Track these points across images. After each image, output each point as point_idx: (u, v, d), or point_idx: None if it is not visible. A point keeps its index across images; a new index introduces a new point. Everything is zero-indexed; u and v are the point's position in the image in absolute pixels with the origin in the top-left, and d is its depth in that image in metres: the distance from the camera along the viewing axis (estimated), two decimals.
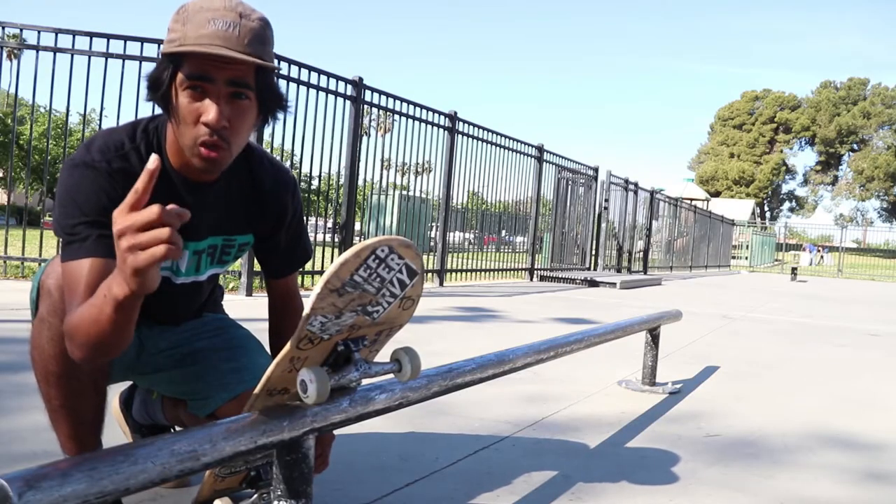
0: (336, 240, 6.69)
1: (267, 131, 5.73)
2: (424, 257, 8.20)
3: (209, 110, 1.13)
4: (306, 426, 1.11)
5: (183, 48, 1.11)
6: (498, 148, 9.10)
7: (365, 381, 1.17)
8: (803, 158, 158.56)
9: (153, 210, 0.86)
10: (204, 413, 1.39)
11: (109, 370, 1.28)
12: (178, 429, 1.61)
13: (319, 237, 6.63)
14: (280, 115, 1.27)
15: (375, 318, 1.10)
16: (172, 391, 1.48)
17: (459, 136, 8.23)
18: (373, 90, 6.78)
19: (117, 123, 5.74)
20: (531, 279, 10.22)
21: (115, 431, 1.64)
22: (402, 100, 7.23)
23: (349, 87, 6.50)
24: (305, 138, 6.18)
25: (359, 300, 1.04)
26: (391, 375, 1.19)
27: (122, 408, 1.69)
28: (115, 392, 1.58)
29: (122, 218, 0.87)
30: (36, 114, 23.70)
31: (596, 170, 12.18)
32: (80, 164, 1.18)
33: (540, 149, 10.19)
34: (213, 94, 1.13)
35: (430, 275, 8.10)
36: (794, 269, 18.99)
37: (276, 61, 1.15)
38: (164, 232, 0.86)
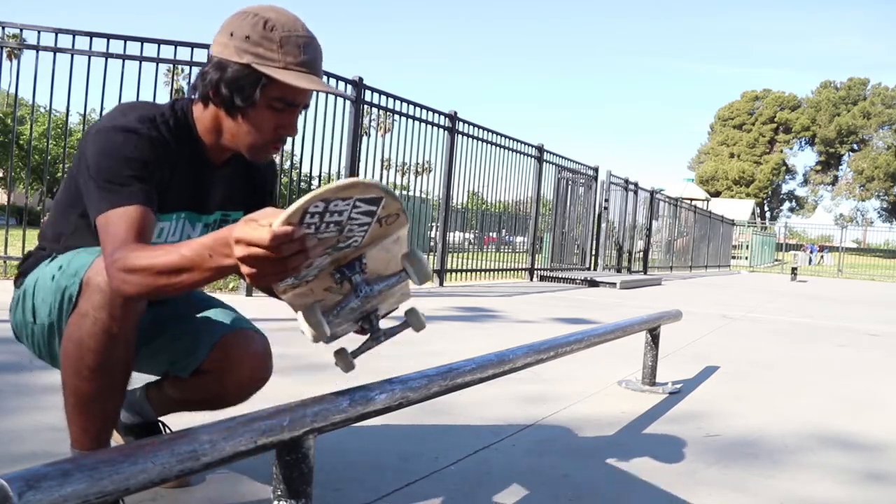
0: None
1: None
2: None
3: (291, 125, 1.30)
4: (306, 426, 1.11)
5: (290, 80, 1.21)
6: (498, 148, 9.10)
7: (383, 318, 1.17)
8: (803, 158, 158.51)
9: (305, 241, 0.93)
10: (190, 370, 1.44)
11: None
12: (169, 428, 1.61)
13: None
14: None
15: (357, 244, 1.06)
16: (154, 364, 1.51)
17: (459, 136, 8.23)
18: (373, 90, 6.78)
19: None
20: (531, 279, 10.22)
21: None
22: (402, 100, 7.23)
23: (349, 87, 6.51)
24: (305, 138, 6.18)
25: (322, 245, 0.99)
26: (400, 288, 1.19)
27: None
28: None
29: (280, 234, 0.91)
30: (36, 114, 23.70)
31: (596, 170, 12.18)
32: (122, 128, 1.25)
33: (540, 149, 10.19)
34: (293, 111, 1.29)
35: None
36: (794, 269, 18.99)
37: None
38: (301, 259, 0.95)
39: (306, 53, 1.24)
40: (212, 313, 1.50)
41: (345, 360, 1.24)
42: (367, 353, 1.25)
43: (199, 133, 1.35)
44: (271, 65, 1.23)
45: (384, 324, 1.25)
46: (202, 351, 1.42)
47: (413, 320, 1.28)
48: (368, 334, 1.29)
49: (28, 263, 1.42)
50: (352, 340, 1.25)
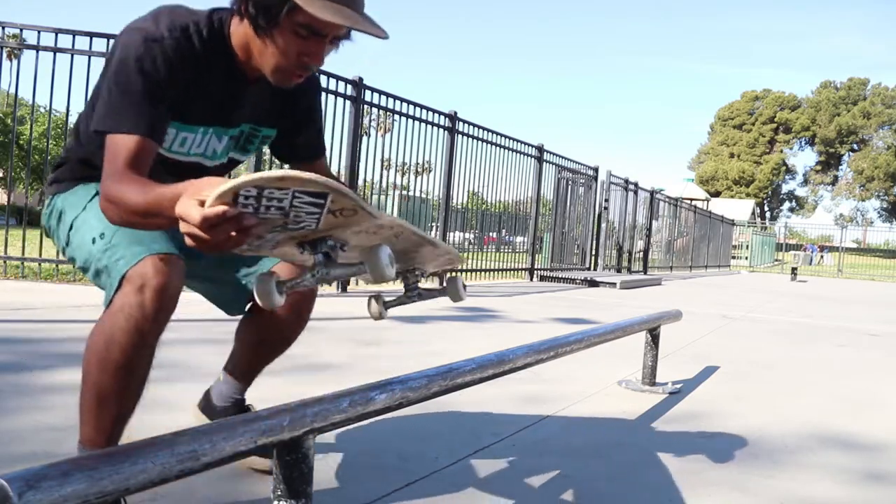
0: None
1: None
2: None
3: (316, 55, 1.26)
4: (306, 426, 1.11)
5: (313, 9, 1.18)
6: (498, 148, 9.10)
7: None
8: (803, 158, 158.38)
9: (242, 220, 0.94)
10: (241, 309, 1.58)
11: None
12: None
13: None
14: None
15: (312, 228, 1.05)
16: (223, 290, 1.61)
17: (459, 136, 8.23)
18: (373, 90, 6.78)
19: None
20: (531, 279, 10.22)
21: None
22: (402, 100, 7.23)
23: (349, 87, 6.50)
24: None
25: (267, 224, 1.00)
26: (429, 258, 1.23)
27: (202, 412, 1.78)
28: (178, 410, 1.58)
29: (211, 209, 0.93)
30: (36, 114, 23.71)
31: (596, 170, 12.18)
32: (148, 36, 1.24)
33: (540, 149, 10.19)
34: (320, 41, 1.25)
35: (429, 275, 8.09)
36: (794, 269, 18.99)
37: None
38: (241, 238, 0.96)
39: None
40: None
41: (377, 307, 1.28)
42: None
43: (233, 46, 1.33)
44: None
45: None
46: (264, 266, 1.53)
47: (451, 289, 1.31)
48: (405, 289, 1.32)
49: (63, 172, 1.48)
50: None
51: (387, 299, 1.30)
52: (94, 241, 1.35)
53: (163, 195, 1.07)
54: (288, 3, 1.20)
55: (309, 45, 1.25)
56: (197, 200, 0.94)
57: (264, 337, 1.64)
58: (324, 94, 6.20)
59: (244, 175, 0.92)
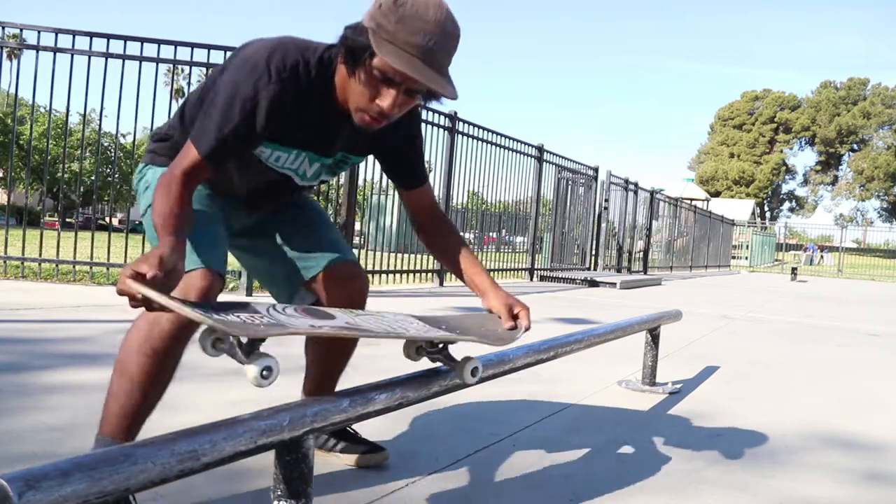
0: None
1: None
2: (424, 257, 8.22)
3: (385, 100, 1.31)
4: (306, 426, 1.11)
5: (386, 55, 1.24)
6: (498, 148, 9.10)
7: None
8: (803, 158, 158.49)
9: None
10: (312, 274, 1.65)
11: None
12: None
13: None
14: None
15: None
16: (279, 265, 1.70)
17: (459, 136, 8.23)
18: None
19: (117, 123, 5.76)
20: (531, 279, 10.22)
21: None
22: None
23: None
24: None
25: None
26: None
27: (321, 448, 1.82)
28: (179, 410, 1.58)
29: (147, 265, 1.12)
30: (36, 114, 23.70)
31: (596, 170, 12.18)
32: (257, 76, 1.34)
33: (540, 149, 10.19)
34: (393, 88, 1.30)
35: (430, 275, 8.10)
36: (794, 269, 18.98)
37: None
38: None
39: (423, 39, 1.24)
40: (327, 235, 1.69)
41: (411, 352, 1.44)
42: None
43: (336, 83, 1.40)
44: (383, 36, 1.25)
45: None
46: (320, 263, 1.64)
47: (458, 370, 1.41)
48: (431, 347, 1.43)
49: (164, 148, 1.60)
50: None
51: (419, 348, 1.45)
52: (152, 242, 1.47)
53: (158, 229, 1.27)
54: (370, 47, 1.26)
55: (383, 91, 1.30)
56: (131, 270, 1.10)
57: (330, 344, 1.74)
58: None
59: (162, 298, 1.07)
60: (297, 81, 1.37)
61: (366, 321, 1.33)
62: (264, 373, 1.10)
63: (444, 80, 1.29)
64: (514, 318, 1.56)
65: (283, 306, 1.28)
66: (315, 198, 7.66)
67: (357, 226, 8.04)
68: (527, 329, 1.55)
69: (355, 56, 1.30)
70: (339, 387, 1.75)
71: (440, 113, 7.91)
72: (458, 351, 1.50)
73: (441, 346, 1.44)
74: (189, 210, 1.35)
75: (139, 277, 1.09)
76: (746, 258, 29.27)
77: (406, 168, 1.63)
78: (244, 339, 1.14)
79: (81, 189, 22.74)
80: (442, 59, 1.28)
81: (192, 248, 1.40)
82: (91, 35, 5.52)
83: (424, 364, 1.50)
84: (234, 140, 1.36)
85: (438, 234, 1.66)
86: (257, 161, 1.50)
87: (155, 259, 1.14)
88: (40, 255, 5.64)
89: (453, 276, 7.35)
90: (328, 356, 1.78)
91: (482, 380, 1.59)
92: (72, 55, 5.50)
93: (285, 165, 1.52)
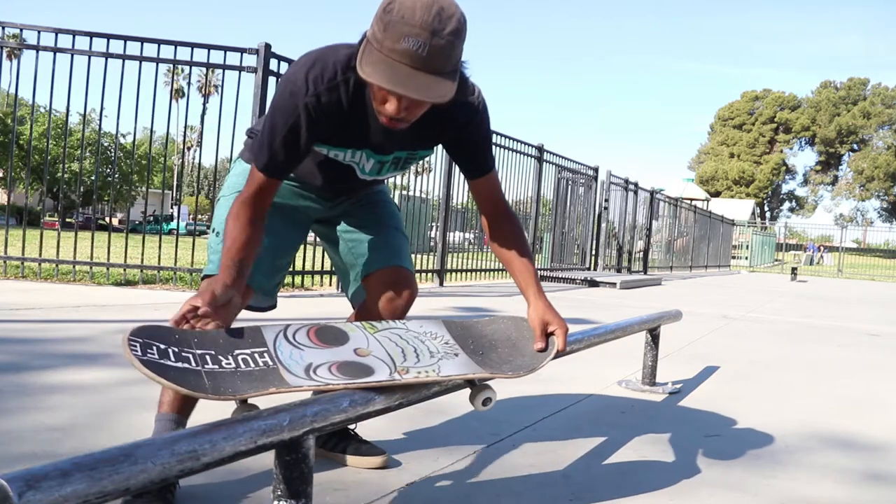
0: None
1: None
2: (424, 257, 8.22)
3: (389, 104, 1.33)
4: (306, 426, 1.11)
5: (363, 69, 1.26)
6: (498, 148, 9.09)
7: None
8: (803, 158, 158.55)
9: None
10: (368, 271, 1.75)
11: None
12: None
13: None
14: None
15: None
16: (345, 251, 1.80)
17: None
18: None
19: (117, 123, 5.76)
20: None
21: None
22: None
23: None
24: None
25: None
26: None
27: (322, 448, 1.83)
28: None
29: (201, 300, 1.30)
30: (36, 114, 23.70)
31: (596, 170, 12.18)
32: (294, 91, 1.41)
33: (540, 149, 10.19)
34: (392, 97, 1.31)
35: (430, 275, 8.10)
36: (794, 269, 18.98)
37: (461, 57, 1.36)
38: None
39: (410, 44, 1.23)
40: (389, 239, 1.77)
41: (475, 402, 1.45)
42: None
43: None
44: (374, 45, 1.27)
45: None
46: (366, 269, 1.75)
47: (472, 395, 1.42)
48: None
49: (248, 145, 1.73)
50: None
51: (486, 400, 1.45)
52: (213, 229, 1.67)
53: (222, 258, 1.43)
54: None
55: (385, 97, 1.32)
56: (189, 304, 1.29)
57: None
58: None
59: (142, 369, 1.11)
60: (335, 93, 1.41)
61: (387, 342, 1.36)
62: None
63: (440, 82, 1.27)
64: (548, 335, 1.51)
65: (296, 330, 1.31)
66: None
67: None
68: (560, 352, 1.49)
69: (357, 64, 1.31)
70: None
71: None
72: None
73: None
74: (256, 233, 1.46)
75: (188, 314, 1.27)
76: (746, 258, 29.27)
77: (465, 157, 1.61)
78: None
79: (81, 189, 22.74)
80: (437, 61, 1.25)
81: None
82: (91, 35, 5.52)
83: None
84: (283, 152, 1.44)
85: (496, 229, 1.64)
86: (323, 155, 1.57)
87: (208, 296, 1.29)
88: (40, 255, 5.64)
89: (454, 275, 7.36)
90: None
91: (482, 379, 1.59)
92: (72, 55, 5.50)
93: (345, 160, 1.58)
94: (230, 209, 1.49)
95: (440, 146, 1.62)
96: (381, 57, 1.25)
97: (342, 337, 1.33)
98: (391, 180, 7.84)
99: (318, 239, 1.93)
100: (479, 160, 1.62)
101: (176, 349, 1.19)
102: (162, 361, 1.13)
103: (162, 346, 1.17)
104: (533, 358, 1.46)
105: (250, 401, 1.21)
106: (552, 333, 1.51)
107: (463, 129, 1.55)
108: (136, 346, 1.13)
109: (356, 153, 1.56)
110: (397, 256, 1.76)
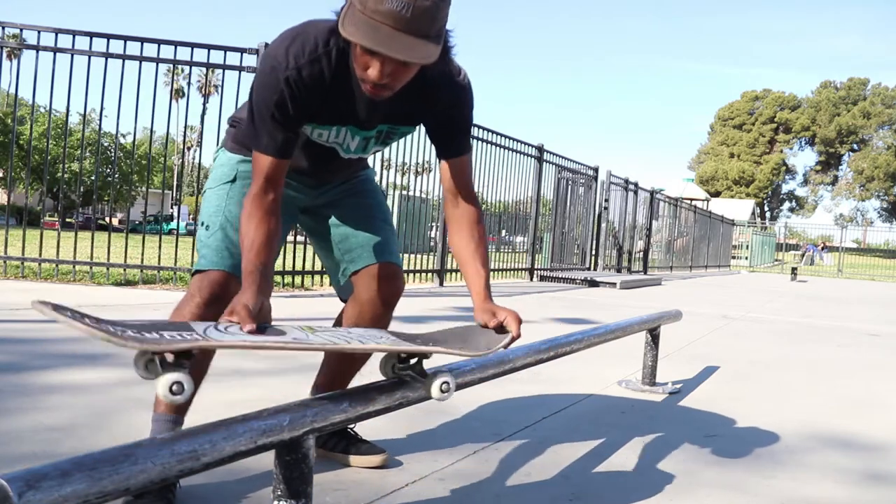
0: None
1: None
2: (425, 257, 8.22)
3: (372, 70, 1.30)
4: (306, 426, 1.11)
5: (346, 28, 1.24)
6: (498, 148, 9.10)
7: None
8: (803, 158, 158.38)
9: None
10: (356, 267, 1.72)
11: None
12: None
13: None
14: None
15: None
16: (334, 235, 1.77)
17: None
18: None
19: (117, 123, 5.76)
20: (531, 279, 10.22)
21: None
22: None
23: None
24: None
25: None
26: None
27: (322, 448, 1.82)
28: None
29: (238, 317, 1.24)
30: (36, 114, 23.70)
31: (596, 170, 12.18)
32: (275, 66, 1.39)
33: (540, 149, 10.19)
34: (374, 59, 1.28)
35: (430, 275, 8.10)
36: (794, 269, 18.98)
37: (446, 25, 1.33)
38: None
39: (393, 5, 1.21)
40: (376, 233, 1.75)
41: (388, 369, 1.41)
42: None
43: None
44: (357, 6, 1.24)
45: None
46: (358, 265, 1.72)
47: (426, 387, 1.36)
48: (401, 362, 1.41)
49: (237, 134, 1.68)
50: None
51: (395, 365, 1.41)
52: (202, 223, 1.64)
53: (243, 264, 1.39)
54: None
55: (370, 62, 1.30)
56: (225, 317, 1.25)
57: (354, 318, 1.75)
58: None
59: (69, 322, 1.04)
60: (317, 66, 1.39)
61: (326, 336, 1.29)
62: (174, 387, 1.06)
63: (424, 45, 1.24)
64: (500, 326, 1.49)
65: (227, 326, 1.23)
66: None
67: None
68: (514, 338, 1.46)
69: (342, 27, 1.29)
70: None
71: None
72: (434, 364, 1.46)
73: (414, 360, 1.39)
74: (275, 228, 1.43)
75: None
76: (746, 258, 29.27)
77: (446, 137, 1.59)
78: (169, 358, 1.09)
79: (81, 189, 22.74)
80: (421, 22, 1.23)
81: (223, 247, 1.56)
82: (91, 35, 5.52)
83: (423, 363, 1.49)
84: (279, 130, 1.42)
85: (459, 210, 1.62)
86: (306, 137, 1.55)
87: (244, 312, 1.23)
88: (40, 255, 5.64)
89: (454, 276, 7.34)
90: (343, 356, 1.82)
91: (482, 379, 1.59)
92: (72, 55, 5.50)
93: (329, 140, 1.56)
94: (243, 209, 1.45)
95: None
96: (364, 18, 1.23)
97: (279, 332, 1.28)
98: (388, 178, 7.85)
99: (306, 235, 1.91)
100: (458, 142, 1.61)
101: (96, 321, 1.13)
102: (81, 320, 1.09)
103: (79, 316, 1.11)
104: (489, 343, 1.42)
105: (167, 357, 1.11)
106: (503, 323, 1.48)
107: (448, 111, 1.55)
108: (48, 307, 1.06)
109: (340, 131, 1.54)
110: (385, 252, 1.74)
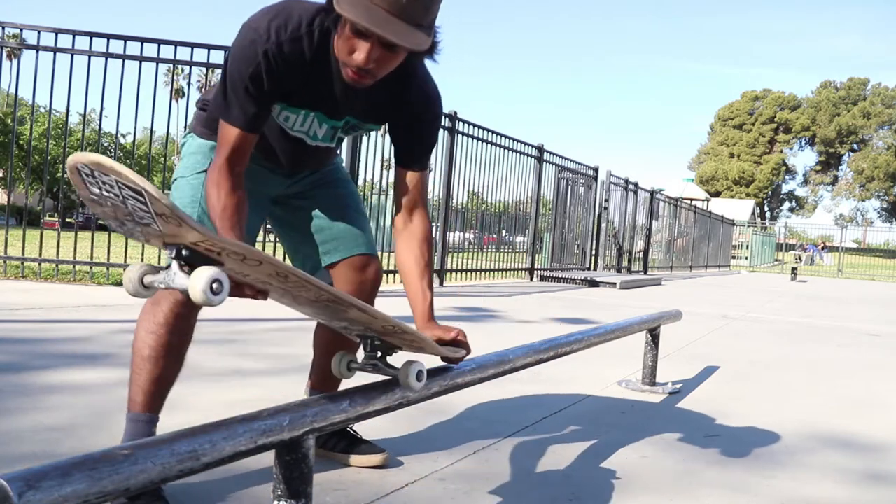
0: None
1: None
2: None
3: (359, 53, 1.29)
4: (306, 426, 1.11)
5: (343, 7, 1.22)
6: (498, 148, 9.10)
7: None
8: (803, 158, 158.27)
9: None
10: (330, 261, 1.70)
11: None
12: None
13: None
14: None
15: (152, 228, 1.03)
16: (304, 232, 1.73)
17: (459, 136, 8.23)
18: None
19: (117, 123, 5.76)
20: (531, 279, 10.22)
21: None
22: None
23: None
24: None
25: (120, 211, 1.02)
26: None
27: (322, 448, 1.81)
28: (179, 410, 1.59)
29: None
30: (36, 114, 23.71)
31: (596, 170, 12.18)
32: (256, 40, 1.35)
33: (540, 149, 10.19)
34: (365, 42, 1.28)
35: None
36: (794, 269, 18.98)
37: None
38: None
39: None
40: (351, 224, 1.72)
41: (339, 367, 1.39)
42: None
43: (333, 42, 1.37)
44: None
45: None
46: (335, 256, 1.70)
47: (402, 373, 1.33)
48: (365, 356, 1.39)
49: (206, 120, 1.59)
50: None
51: (350, 362, 1.38)
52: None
53: (218, 220, 1.36)
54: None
55: (357, 46, 1.28)
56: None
57: (333, 335, 1.73)
58: None
59: (83, 154, 0.96)
60: (298, 45, 1.37)
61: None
62: (214, 286, 0.98)
63: (415, 32, 1.25)
64: (454, 340, 1.49)
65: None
66: None
67: None
68: (467, 354, 1.48)
69: (330, 10, 1.28)
70: (341, 386, 1.75)
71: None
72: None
73: (379, 354, 1.39)
74: (241, 197, 1.40)
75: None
76: (746, 258, 29.27)
77: (409, 146, 1.59)
78: (185, 253, 1.02)
79: None
80: (415, 11, 1.24)
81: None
82: (91, 35, 5.52)
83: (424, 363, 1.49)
84: (251, 104, 1.39)
85: (404, 231, 1.60)
86: (274, 123, 1.53)
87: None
88: (40, 255, 5.64)
89: (454, 276, 7.32)
90: (334, 350, 1.80)
91: (482, 379, 1.59)
92: (72, 55, 5.50)
93: (295, 127, 1.53)
94: (209, 178, 1.41)
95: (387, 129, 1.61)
96: (350, 15, 1.22)
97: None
98: (387, 178, 7.85)
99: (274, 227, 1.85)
100: (419, 154, 1.60)
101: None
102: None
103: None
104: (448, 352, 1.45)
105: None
106: (457, 338, 1.49)
107: (417, 116, 1.55)
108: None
109: (308, 117, 1.51)
110: (360, 243, 1.72)
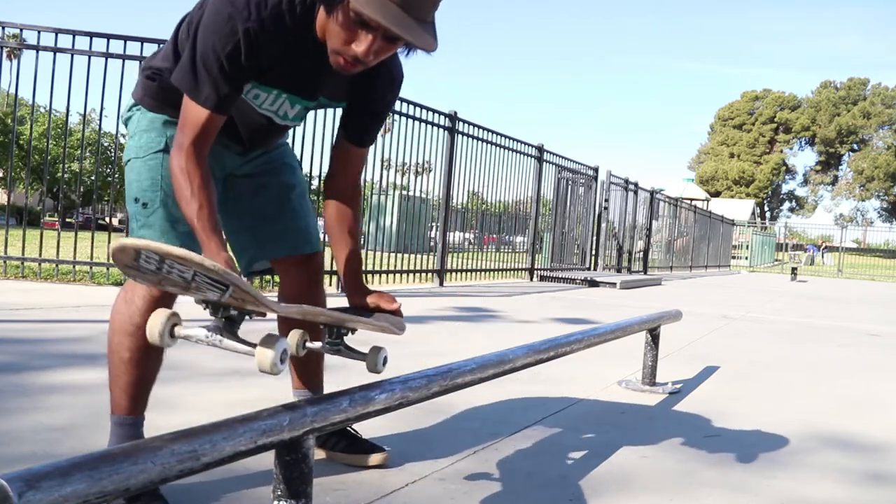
0: None
1: None
2: (425, 257, 8.22)
3: (361, 45, 1.26)
4: (306, 426, 1.11)
5: (361, 3, 1.19)
6: (498, 148, 9.10)
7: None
8: (803, 158, 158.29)
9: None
10: (270, 256, 1.68)
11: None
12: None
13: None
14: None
15: (217, 298, 1.08)
16: (252, 220, 1.68)
17: (459, 136, 8.23)
18: None
19: (117, 124, 5.75)
20: (531, 279, 10.22)
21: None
22: (402, 100, 7.22)
23: None
24: (306, 138, 6.19)
25: (168, 282, 1.06)
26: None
27: (322, 448, 1.81)
28: (179, 410, 1.59)
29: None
30: (36, 114, 23.71)
31: (596, 170, 12.18)
32: (230, 10, 1.27)
33: (540, 149, 10.19)
34: (369, 35, 1.25)
35: (430, 275, 8.10)
36: (794, 269, 18.98)
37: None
38: None
39: None
40: (295, 215, 1.69)
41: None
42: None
43: (317, 23, 1.34)
44: None
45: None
46: (272, 253, 1.68)
47: (370, 358, 1.37)
48: (330, 341, 1.39)
49: (155, 89, 1.49)
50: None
51: (308, 343, 1.29)
52: (136, 200, 1.48)
53: (198, 233, 1.28)
54: None
55: (358, 36, 1.26)
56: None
57: (295, 323, 1.70)
58: None
59: (154, 242, 1.00)
60: (278, 21, 1.31)
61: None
62: (283, 356, 1.04)
63: (423, 30, 1.24)
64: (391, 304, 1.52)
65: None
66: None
67: None
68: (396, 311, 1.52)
69: (332, 0, 1.25)
70: (341, 386, 1.74)
71: (440, 113, 7.91)
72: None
73: (341, 339, 1.40)
74: (213, 189, 1.33)
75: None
76: (746, 258, 29.27)
77: (363, 124, 1.57)
78: (233, 313, 1.07)
79: (81, 189, 22.76)
80: (423, 8, 1.23)
81: (167, 227, 1.46)
82: (91, 35, 5.52)
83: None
84: (226, 83, 1.31)
85: (343, 201, 1.59)
86: (242, 100, 1.46)
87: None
88: (40, 255, 5.64)
89: (454, 276, 7.32)
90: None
91: (482, 379, 1.59)
92: (72, 55, 5.50)
93: (264, 106, 1.48)
94: (174, 164, 1.31)
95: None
96: (366, 11, 1.19)
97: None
98: (387, 178, 7.87)
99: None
100: (370, 131, 1.59)
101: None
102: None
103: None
104: (393, 323, 1.47)
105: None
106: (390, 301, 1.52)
107: (381, 98, 1.54)
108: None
109: (280, 97, 1.46)
110: (307, 240, 1.70)
